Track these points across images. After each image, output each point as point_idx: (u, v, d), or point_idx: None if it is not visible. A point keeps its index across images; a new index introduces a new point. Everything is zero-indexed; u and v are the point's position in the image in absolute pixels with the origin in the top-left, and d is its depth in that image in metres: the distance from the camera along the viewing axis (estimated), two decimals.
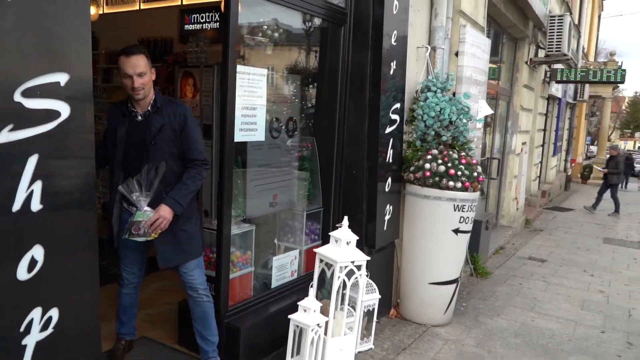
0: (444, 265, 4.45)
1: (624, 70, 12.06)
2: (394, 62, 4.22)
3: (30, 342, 1.89)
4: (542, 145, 13.15)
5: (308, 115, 4.30)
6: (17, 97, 1.77)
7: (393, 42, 4.18)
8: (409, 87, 4.56)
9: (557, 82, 12.32)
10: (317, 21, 4.03)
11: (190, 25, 5.54)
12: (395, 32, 4.19)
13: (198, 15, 5.47)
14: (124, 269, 3.14)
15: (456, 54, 5.18)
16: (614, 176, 12.90)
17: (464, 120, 4.54)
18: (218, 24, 5.34)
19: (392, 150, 4.32)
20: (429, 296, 4.49)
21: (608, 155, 12.97)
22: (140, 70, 2.70)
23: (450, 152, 4.38)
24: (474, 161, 4.49)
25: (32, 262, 1.86)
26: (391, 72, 4.19)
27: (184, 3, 5.55)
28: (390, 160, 4.32)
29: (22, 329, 1.86)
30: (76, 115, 1.94)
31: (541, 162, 13.44)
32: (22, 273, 1.84)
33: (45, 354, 1.94)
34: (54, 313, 1.95)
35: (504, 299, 5.46)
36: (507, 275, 6.39)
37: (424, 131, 4.51)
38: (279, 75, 4.03)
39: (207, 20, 5.44)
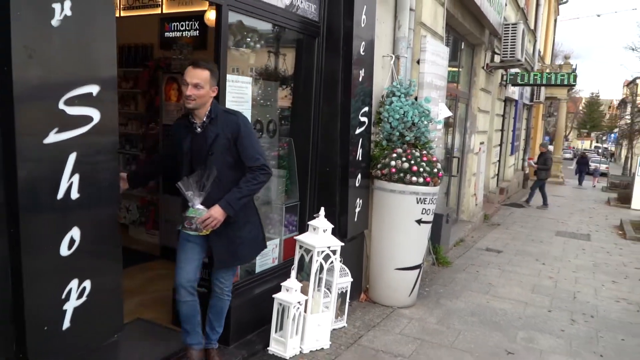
0: (408, 252, 4.95)
1: (576, 75, 12.88)
2: (362, 69, 4.69)
3: (69, 307, 2.28)
4: (500, 145, 13.90)
5: (286, 117, 4.72)
6: (61, 105, 2.16)
7: (361, 52, 4.65)
8: (375, 92, 5.04)
9: (513, 85, 13.07)
10: (294, 34, 4.47)
11: (171, 33, 5.89)
12: (363, 42, 4.66)
13: (178, 23, 5.82)
14: (178, 271, 3.12)
15: (418, 62, 5.70)
16: (543, 172, 13.79)
17: (425, 122, 5.05)
18: (197, 32, 5.72)
19: (361, 149, 4.79)
20: (395, 280, 4.98)
21: (539, 152, 13.83)
22: (196, 81, 2.86)
23: (413, 151, 4.88)
24: (434, 159, 5.00)
25: (71, 241, 2.25)
26: (360, 78, 4.66)
27: (164, 12, 5.90)
28: (360, 158, 4.79)
29: (63, 296, 2.25)
30: (105, 120, 2.33)
31: (499, 161, 14.18)
32: (64, 250, 2.23)
33: (80, 319, 2.33)
34: (87, 284, 2.34)
35: (462, 284, 6.01)
36: (466, 264, 6.96)
37: (390, 132, 5.00)
38: (261, 82, 4.44)
39: (187, 28, 5.81)
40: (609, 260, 7.99)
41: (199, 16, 5.47)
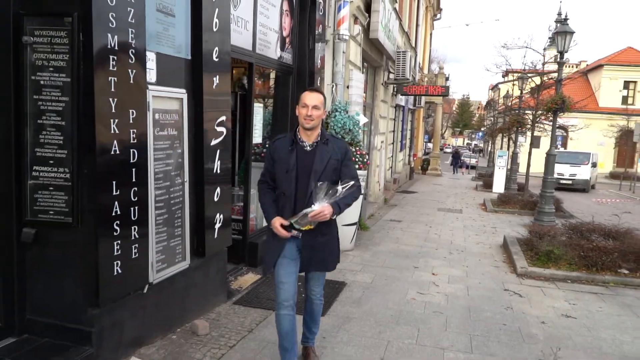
0: (349, 214, 7.53)
1: (448, 87, 16.32)
2: None
3: (216, 227, 4.59)
4: (393, 143, 17.03)
5: (272, 127, 7.12)
6: (215, 126, 4.47)
7: (318, 83, 7.17)
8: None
9: (402, 94, 16.26)
10: (279, 74, 6.88)
11: None
12: (319, 77, 7.18)
13: None
14: (280, 288, 3.35)
15: (347, 87, 8.33)
16: None
17: (357, 129, 7.68)
18: None
19: None
20: (342, 233, 7.46)
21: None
22: (315, 103, 3.23)
23: (351, 148, 7.47)
24: (364, 152, 7.65)
25: (217, 194, 4.56)
26: None
27: None
28: None
29: (214, 221, 4.56)
30: (227, 133, 4.66)
31: (392, 156, 17.32)
32: (216, 197, 4.54)
33: (219, 234, 4.63)
34: (222, 217, 4.65)
35: (380, 239, 8.75)
36: (379, 229, 9.74)
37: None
38: (263, 104, 6.80)
39: None
40: (474, 224, 11.20)
41: None
